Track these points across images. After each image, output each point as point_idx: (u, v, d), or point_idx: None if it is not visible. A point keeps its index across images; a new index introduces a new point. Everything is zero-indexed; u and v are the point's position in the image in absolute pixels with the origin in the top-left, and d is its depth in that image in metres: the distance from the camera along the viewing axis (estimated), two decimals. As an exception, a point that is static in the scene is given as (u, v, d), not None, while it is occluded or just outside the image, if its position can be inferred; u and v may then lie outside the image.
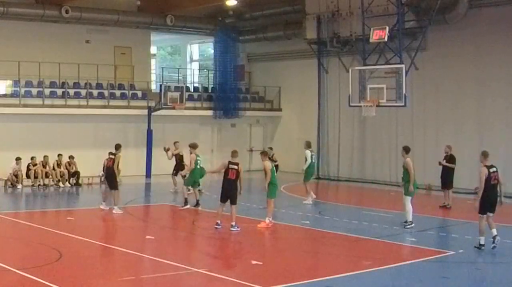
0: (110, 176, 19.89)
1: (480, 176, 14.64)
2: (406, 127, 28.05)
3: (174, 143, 24.60)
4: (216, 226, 16.61)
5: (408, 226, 17.42)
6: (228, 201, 16.71)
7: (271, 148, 25.34)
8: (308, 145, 22.57)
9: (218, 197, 17.11)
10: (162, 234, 17.23)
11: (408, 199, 17.56)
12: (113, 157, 19.95)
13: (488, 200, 14.67)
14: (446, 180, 21.53)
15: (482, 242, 14.77)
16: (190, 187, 20.63)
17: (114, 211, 19.42)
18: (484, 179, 14.52)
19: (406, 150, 18.03)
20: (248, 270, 12.93)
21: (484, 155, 14.88)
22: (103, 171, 21.18)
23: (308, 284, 11.78)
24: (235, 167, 16.43)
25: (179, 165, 24.45)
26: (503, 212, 22.01)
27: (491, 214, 14.85)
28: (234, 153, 16.81)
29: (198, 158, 20.64)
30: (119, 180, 25.83)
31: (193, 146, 20.71)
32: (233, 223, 16.53)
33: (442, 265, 13.73)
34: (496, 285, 12.51)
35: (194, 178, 20.67)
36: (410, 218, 17.48)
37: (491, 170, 14.69)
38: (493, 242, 14.71)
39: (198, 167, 20.67)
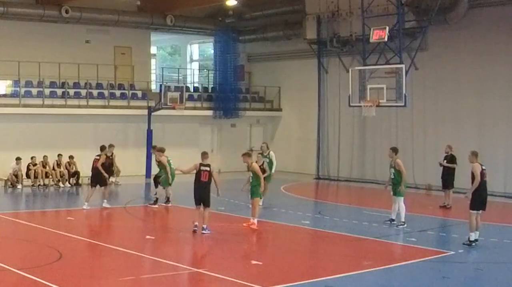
0: (98, 175, 20.68)
1: (475, 171, 14.87)
2: (406, 127, 28.04)
3: (109, 146, 23.17)
4: (195, 228, 16.09)
5: (400, 226, 17.44)
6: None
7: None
8: (267, 147, 21.66)
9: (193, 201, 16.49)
10: (162, 234, 17.23)
11: (401, 199, 17.59)
12: (98, 157, 20.90)
13: (480, 197, 14.94)
14: (447, 180, 21.52)
15: (472, 238, 14.99)
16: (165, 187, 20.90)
17: (104, 205, 20.33)
18: (479, 174, 14.80)
19: (396, 151, 18.12)
20: (248, 270, 12.93)
21: (475, 154, 15.21)
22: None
23: (308, 284, 11.78)
24: (207, 168, 15.95)
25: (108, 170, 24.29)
26: (504, 211, 22.11)
27: (480, 212, 15.07)
28: (204, 155, 16.26)
29: (169, 159, 20.74)
30: (115, 180, 26.12)
31: (161, 150, 20.85)
32: (205, 226, 16.04)
33: (442, 265, 13.72)
34: (496, 285, 12.51)
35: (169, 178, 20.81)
36: (403, 218, 17.51)
37: (483, 167, 15.05)
38: (469, 244, 15.00)
39: (172, 166, 20.67)
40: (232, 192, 24.77)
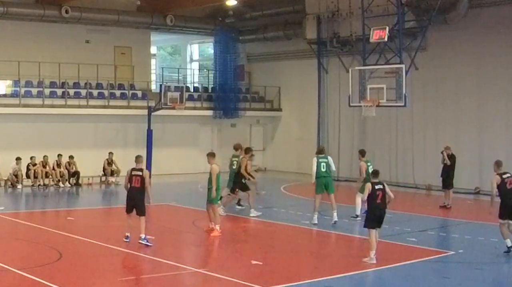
0: (238, 178, 19.37)
1: (492, 183, 14.54)
2: (406, 127, 28.05)
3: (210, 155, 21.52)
4: (125, 239, 14.81)
5: (355, 218, 18.43)
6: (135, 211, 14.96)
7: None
8: (323, 150, 19.06)
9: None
10: (162, 234, 17.22)
11: (360, 195, 17.87)
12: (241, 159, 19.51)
13: (506, 205, 14.45)
14: (447, 180, 21.52)
15: (509, 244, 14.44)
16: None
17: (251, 215, 18.85)
18: (496, 185, 14.39)
19: (362, 153, 18.92)
20: (248, 270, 12.93)
21: (498, 164, 14.82)
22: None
23: (308, 284, 11.78)
24: (139, 173, 14.73)
25: None
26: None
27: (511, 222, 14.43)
28: (137, 158, 15.07)
29: (234, 159, 19.82)
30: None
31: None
32: (142, 236, 14.71)
33: (442, 265, 13.72)
34: (496, 285, 12.51)
35: (232, 180, 19.80)
36: (358, 212, 18.47)
37: (504, 176, 14.58)
38: (507, 251, 14.40)
39: (234, 167, 19.75)
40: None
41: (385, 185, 13.74)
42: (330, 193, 18.05)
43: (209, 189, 16.11)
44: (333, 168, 18.29)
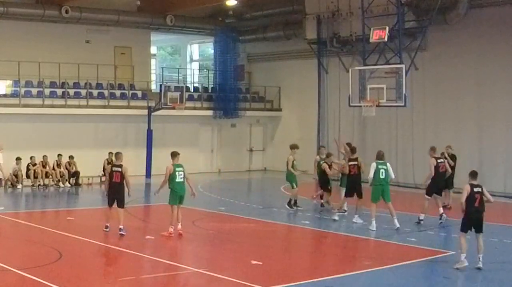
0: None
1: (430, 165, 18.15)
2: (406, 127, 28.03)
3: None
4: (105, 229, 16.08)
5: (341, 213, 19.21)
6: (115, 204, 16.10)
7: None
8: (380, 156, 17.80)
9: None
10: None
11: (343, 189, 19.41)
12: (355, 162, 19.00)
13: (436, 184, 18.14)
14: (447, 180, 21.47)
15: (421, 218, 17.99)
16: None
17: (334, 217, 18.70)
18: (433, 167, 17.87)
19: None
20: (248, 270, 12.93)
21: (433, 149, 18.49)
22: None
23: (308, 284, 11.78)
24: (119, 169, 15.90)
25: None
26: (504, 211, 22.12)
27: (438, 197, 18.27)
28: (117, 155, 16.27)
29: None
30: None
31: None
32: (121, 227, 15.83)
33: (442, 265, 13.72)
34: (496, 285, 12.51)
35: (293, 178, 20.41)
36: (345, 207, 19.43)
37: (439, 161, 18.15)
38: (440, 218, 17.89)
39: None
40: (232, 192, 24.85)
41: (483, 187, 13.23)
42: (387, 201, 17.35)
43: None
44: (392, 175, 17.42)
